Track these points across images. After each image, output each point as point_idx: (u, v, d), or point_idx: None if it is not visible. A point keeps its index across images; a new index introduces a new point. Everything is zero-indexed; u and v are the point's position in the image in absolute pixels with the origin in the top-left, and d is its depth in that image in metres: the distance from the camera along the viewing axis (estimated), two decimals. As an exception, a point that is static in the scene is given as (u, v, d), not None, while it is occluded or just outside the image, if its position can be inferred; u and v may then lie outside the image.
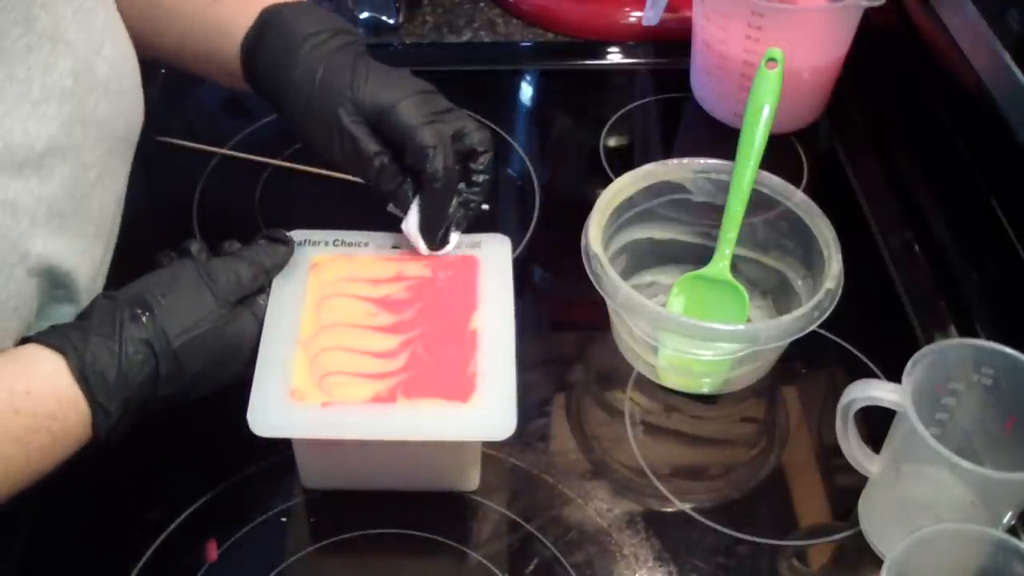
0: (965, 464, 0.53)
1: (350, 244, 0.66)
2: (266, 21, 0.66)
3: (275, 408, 0.57)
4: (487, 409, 0.57)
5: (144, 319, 0.56)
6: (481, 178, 0.65)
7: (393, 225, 0.66)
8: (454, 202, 0.65)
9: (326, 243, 0.66)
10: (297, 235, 0.66)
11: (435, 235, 0.65)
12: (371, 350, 0.60)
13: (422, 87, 0.65)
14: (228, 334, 0.58)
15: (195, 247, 0.61)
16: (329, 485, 0.63)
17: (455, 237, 0.66)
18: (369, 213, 0.66)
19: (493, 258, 0.66)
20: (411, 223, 0.65)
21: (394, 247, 0.66)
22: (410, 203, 0.65)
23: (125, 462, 0.58)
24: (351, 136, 0.63)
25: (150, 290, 0.57)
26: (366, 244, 0.66)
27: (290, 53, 0.64)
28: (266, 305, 0.61)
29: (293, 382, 0.58)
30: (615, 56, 0.97)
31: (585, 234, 0.67)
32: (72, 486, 0.57)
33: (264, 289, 0.62)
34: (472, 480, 0.63)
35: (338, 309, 0.62)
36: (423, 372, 0.59)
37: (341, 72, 0.64)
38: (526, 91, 0.96)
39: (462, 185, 0.65)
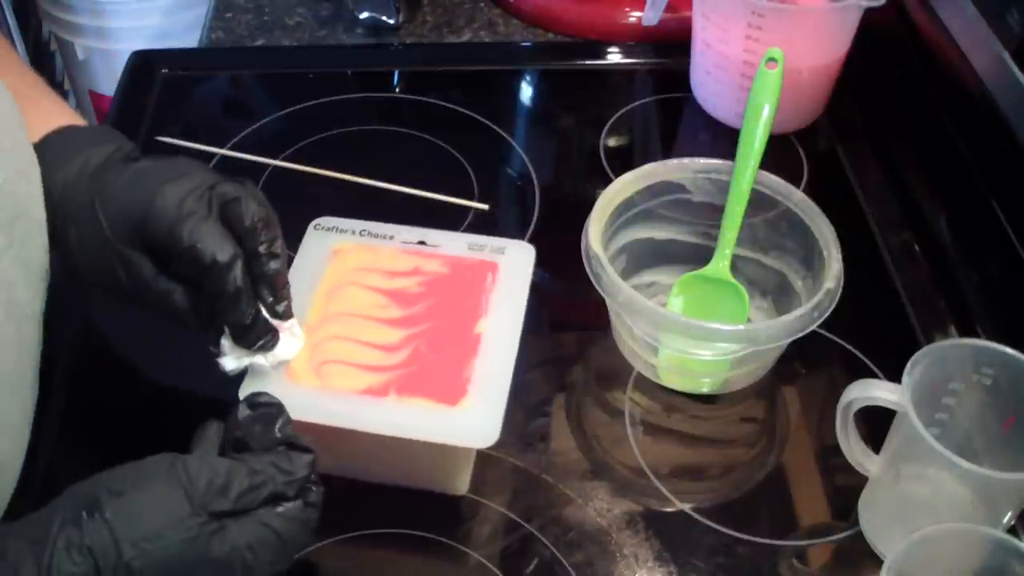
0: (965, 464, 0.53)
1: (376, 235, 0.66)
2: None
3: (266, 386, 0.56)
4: (473, 416, 0.57)
5: (90, 521, 0.44)
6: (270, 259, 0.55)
7: (419, 220, 0.66)
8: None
9: (352, 232, 0.66)
10: (324, 222, 0.66)
11: (252, 338, 0.56)
12: (374, 342, 0.60)
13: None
14: (212, 554, 0.46)
15: (212, 428, 0.50)
16: (319, 469, 0.63)
17: (289, 324, 0.58)
18: (370, 214, 0.66)
19: (514, 266, 0.65)
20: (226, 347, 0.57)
21: (420, 243, 0.66)
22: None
23: (124, 460, 0.58)
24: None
25: (109, 485, 0.45)
26: (391, 237, 0.66)
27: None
28: (286, 525, 0.49)
29: (291, 365, 0.58)
30: (615, 56, 0.97)
31: (585, 234, 0.67)
32: (71, 485, 0.56)
33: (279, 501, 0.49)
34: (460, 484, 0.63)
35: (349, 298, 0.63)
36: (420, 370, 0.59)
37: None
38: (526, 91, 0.96)
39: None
